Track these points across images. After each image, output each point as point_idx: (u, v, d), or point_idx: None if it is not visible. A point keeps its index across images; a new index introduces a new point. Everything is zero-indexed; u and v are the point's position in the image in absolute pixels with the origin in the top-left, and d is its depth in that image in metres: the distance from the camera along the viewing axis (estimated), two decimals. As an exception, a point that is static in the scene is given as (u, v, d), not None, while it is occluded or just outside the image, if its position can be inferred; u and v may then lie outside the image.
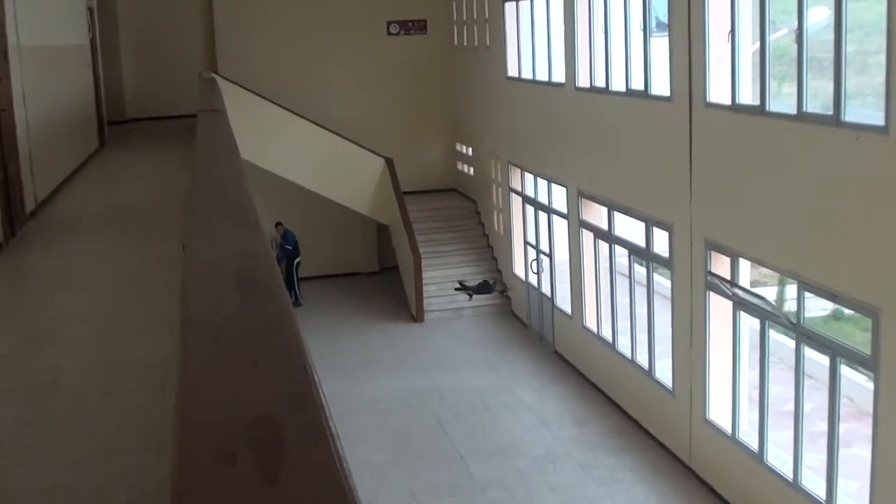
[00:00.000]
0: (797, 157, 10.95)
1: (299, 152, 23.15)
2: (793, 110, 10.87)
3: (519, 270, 21.67)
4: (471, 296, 21.65)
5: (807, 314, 16.92)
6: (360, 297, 24.34)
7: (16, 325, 6.86)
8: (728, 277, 12.53)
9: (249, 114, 21.97)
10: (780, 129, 11.19)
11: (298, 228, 24.20)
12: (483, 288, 21.94)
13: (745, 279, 12.77)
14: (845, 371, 12.06)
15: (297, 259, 23.99)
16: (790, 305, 15.12)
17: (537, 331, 20.37)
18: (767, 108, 11.39)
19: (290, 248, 23.86)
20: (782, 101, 11.87)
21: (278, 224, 23.99)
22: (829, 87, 10.19)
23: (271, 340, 2.63)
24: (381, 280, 25.69)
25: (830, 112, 10.18)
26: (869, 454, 13.23)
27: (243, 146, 20.76)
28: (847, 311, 13.18)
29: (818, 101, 11.05)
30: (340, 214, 24.92)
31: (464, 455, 14.90)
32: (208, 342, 2.59)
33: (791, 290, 19.83)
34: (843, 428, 12.06)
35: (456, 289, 22.00)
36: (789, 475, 11.66)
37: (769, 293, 16.81)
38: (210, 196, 5.45)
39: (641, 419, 15.52)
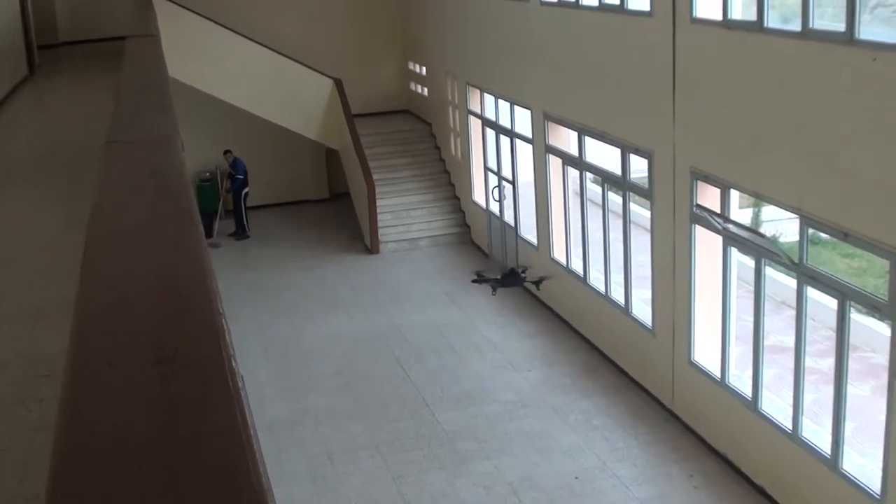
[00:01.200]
0: (802, 80, 9.84)
1: (243, 75, 21.75)
2: (797, 27, 9.75)
3: (479, 197, 20.55)
4: (494, 290, 17.86)
5: (783, 239, 16.10)
6: (311, 227, 23.15)
7: None
8: (718, 210, 11.49)
9: (190, 36, 20.62)
10: (782, 47, 10.07)
11: (245, 156, 22.92)
12: (510, 279, 17.96)
13: (736, 213, 11.77)
14: (821, 298, 11.18)
15: (246, 189, 22.72)
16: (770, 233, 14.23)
17: (500, 262, 19.32)
18: (766, 25, 10.25)
19: (241, 177, 22.58)
20: (783, 15, 10.69)
21: (227, 152, 22.68)
22: None
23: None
24: (331, 208, 24.50)
25: (842, 28, 9.07)
26: (861, 392, 12.44)
27: (183, 70, 19.46)
28: (823, 236, 12.19)
29: (827, 15, 9.93)
30: (288, 140, 23.65)
31: (429, 402, 13.90)
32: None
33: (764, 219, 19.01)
34: (828, 363, 11.23)
35: (473, 281, 18.58)
36: (786, 425, 10.75)
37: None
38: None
39: (617, 359, 14.58)
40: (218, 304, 2.05)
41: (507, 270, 18.16)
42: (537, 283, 17.08)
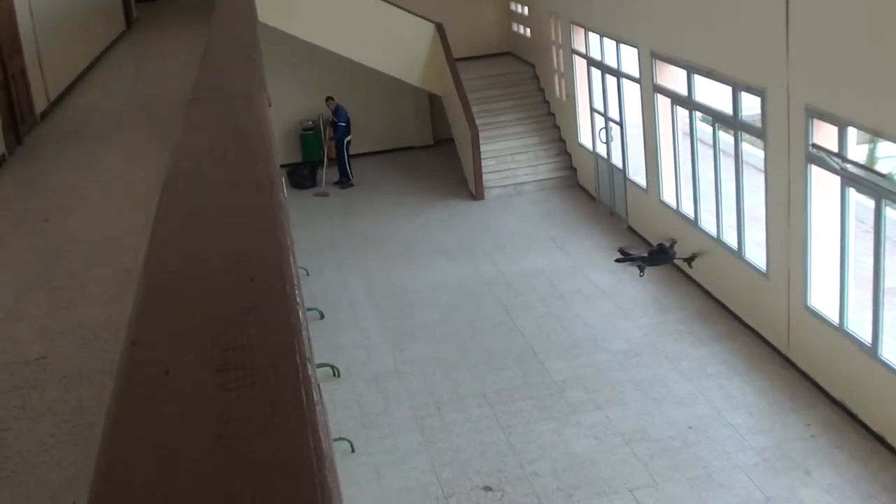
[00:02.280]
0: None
1: (344, 22, 21.52)
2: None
3: (585, 140, 20.14)
4: (642, 269, 15.95)
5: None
6: (415, 173, 22.96)
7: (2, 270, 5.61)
8: (835, 149, 11.00)
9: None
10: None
11: (348, 103, 22.79)
12: (658, 256, 16.03)
13: (853, 150, 11.25)
14: None
15: (348, 137, 22.60)
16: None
17: (608, 205, 18.94)
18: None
19: (343, 124, 22.46)
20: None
21: (329, 98, 22.56)
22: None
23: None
24: (436, 154, 24.26)
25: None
26: None
27: (285, 19, 19.34)
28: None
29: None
30: (391, 87, 23.44)
31: (537, 351, 13.68)
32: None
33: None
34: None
35: (617, 260, 16.66)
36: (910, 372, 10.33)
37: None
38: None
39: (730, 304, 14.16)
40: (296, 291, 1.84)
41: (656, 247, 16.42)
42: (689, 259, 15.42)
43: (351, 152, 22.76)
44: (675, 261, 15.74)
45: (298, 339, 1.60)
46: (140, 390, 1.50)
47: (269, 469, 1.27)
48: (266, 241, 2.05)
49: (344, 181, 22.50)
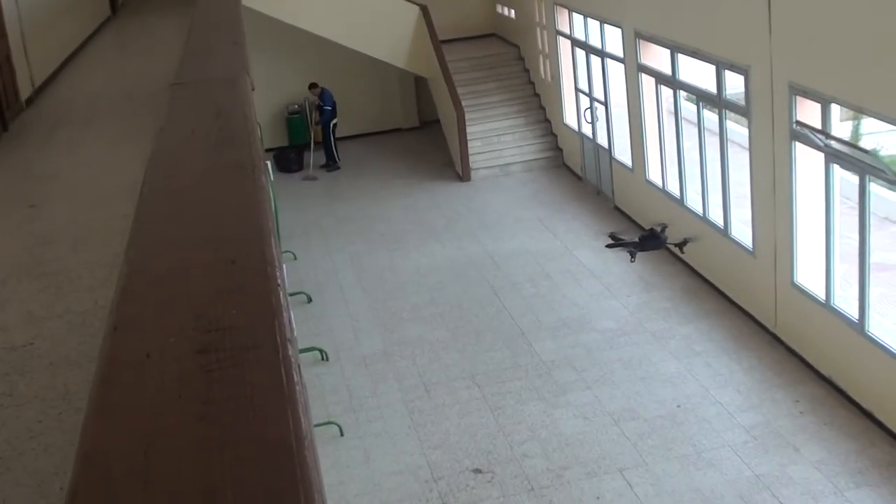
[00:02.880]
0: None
1: (329, 5, 21.45)
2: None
3: (571, 121, 20.14)
4: (633, 256, 15.82)
5: (884, 152, 15.51)
6: (402, 155, 22.96)
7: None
8: (819, 126, 11.02)
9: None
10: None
11: (334, 86, 22.75)
12: (650, 241, 15.87)
13: (836, 127, 11.27)
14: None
15: (334, 120, 22.56)
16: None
17: (594, 185, 18.96)
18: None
19: (328, 108, 22.41)
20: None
21: (313, 85, 22.52)
22: None
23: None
24: (422, 136, 24.27)
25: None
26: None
27: (269, 3, 19.27)
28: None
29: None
30: (377, 69, 23.41)
31: (525, 331, 13.71)
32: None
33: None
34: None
35: (608, 245, 16.56)
36: (894, 346, 10.37)
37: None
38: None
39: (717, 281, 14.21)
40: (277, 273, 1.85)
41: (647, 232, 16.27)
42: (681, 245, 15.33)
43: (337, 135, 22.73)
44: (667, 246, 15.67)
45: (279, 320, 1.61)
46: (122, 374, 1.51)
47: (249, 449, 1.28)
48: (247, 224, 2.06)
49: (331, 164, 22.49)
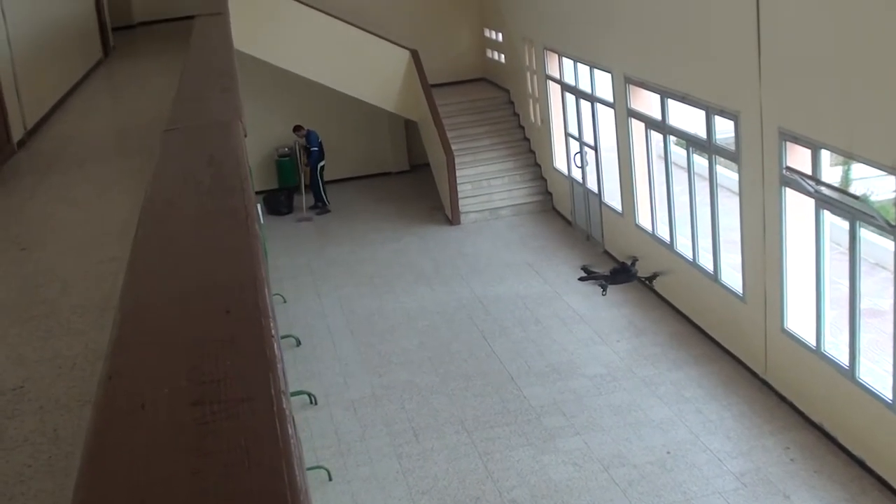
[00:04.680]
0: (896, 34, 9.37)
1: (319, 49, 21.53)
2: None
3: (560, 165, 20.19)
4: (605, 289, 16.21)
5: (874, 197, 15.53)
6: (392, 199, 22.97)
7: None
8: (809, 172, 11.05)
9: (264, 11, 20.49)
10: None
11: (323, 130, 22.80)
12: (620, 275, 16.33)
13: (826, 171, 11.30)
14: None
15: (322, 162, 22.58)
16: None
17: (583, 230, 18.98)
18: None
19: (315, 149, 22.43)
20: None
21: (298, 127, 22.57)
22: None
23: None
24: (412, 179, 24.30)
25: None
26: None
27: (261, 47, 19.32)
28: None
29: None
30: (366, 113, 23.48)
31: (515, 377, 13.66)
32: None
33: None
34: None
35: (580, 279, 16.95)
36: (886, 394, 10.35)
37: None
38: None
39: (707, 327, 14.20)
40: (271, 323, 1.82)
41: (617, 266, 16.77)
42: (650, 278, 15.70)
43: (326, 178, 22.74)
44: (637, 279, 15.81)
45: (274, 372, 1.58)
46: (117, 425, 1.48)
47: (244, 502, 1.25)
48: (242, 273, 2.03)
49: (320, 206, 22.48)
